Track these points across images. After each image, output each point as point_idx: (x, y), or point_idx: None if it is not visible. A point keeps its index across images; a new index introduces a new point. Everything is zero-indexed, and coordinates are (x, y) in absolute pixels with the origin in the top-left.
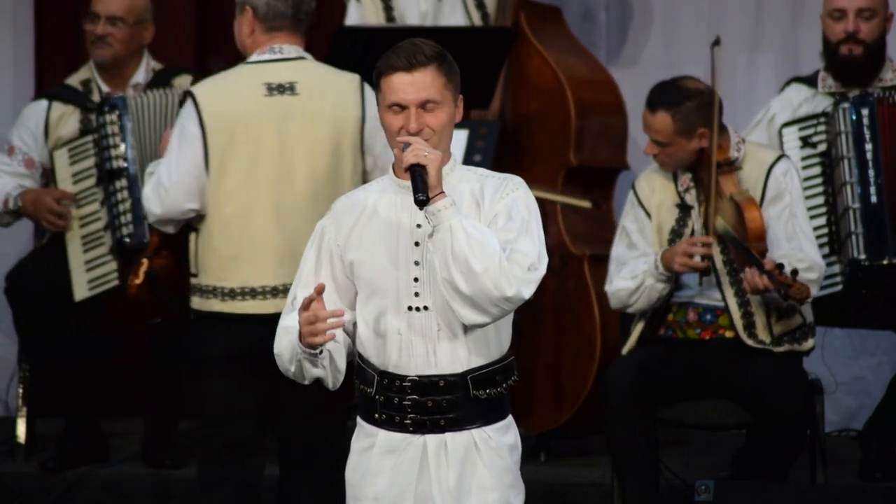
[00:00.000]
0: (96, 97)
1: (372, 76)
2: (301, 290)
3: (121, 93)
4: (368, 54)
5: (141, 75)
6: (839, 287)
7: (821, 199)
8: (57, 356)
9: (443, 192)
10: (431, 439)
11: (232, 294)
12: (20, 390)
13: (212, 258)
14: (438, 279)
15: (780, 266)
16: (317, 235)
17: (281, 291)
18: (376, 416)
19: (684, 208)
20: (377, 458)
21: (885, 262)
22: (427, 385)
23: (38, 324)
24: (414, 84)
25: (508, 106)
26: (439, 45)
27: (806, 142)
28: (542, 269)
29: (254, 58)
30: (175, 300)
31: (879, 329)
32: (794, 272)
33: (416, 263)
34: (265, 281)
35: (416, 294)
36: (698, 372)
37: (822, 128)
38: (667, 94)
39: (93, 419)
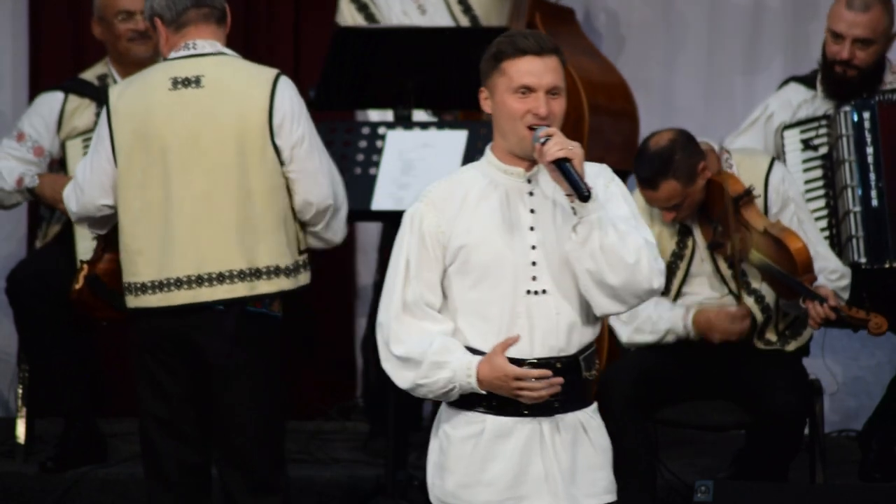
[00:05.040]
0: None
1: (371, 76)
2: (415, 282)
3: None
4: (368, 54)
5: None
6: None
7: (822, 203)
8: (56, 356)
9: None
10: (545, 421)
11: (143, 288)
12: (20, 391)
13: (124, 254)
14: (578, 269)
15: (848, 302)
16: (414, 222)
17: (185, 283)
18: (485, 402)
19: (683, 231)
20: (488, 444)
21: (885, 265)
22: (546, 367)
23: (39, 324)
24: (545, 68)
25: None
26: None
27: (807, 144)
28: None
29: (170, 56)
30: (119, 302)
31: None
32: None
33: (533, 248)
34: (170, 273)
35: (534, 278)
36: (698, 372)
37: (823, 130)
38: (656, 165)
39: (91, 420)
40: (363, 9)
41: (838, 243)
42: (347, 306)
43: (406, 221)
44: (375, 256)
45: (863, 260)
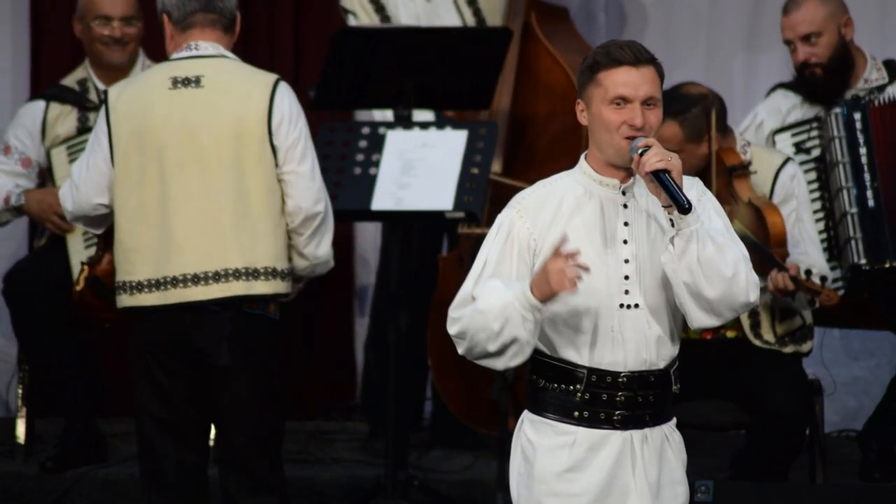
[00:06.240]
0: (93, 96)
1: (371, 76)
2: (481, 283)
3: None
4: (368, 54)
5: (138, 72)
6: (841, 292)
7: (818, 205)
8: (56, 356)
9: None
10: (636, 434)
11: (139, 287)
12: (20, 391)
13: (119, 253)
14: (674, 282)
15: (808, 272)
16: (502, 228)
17: (181, 282)
18: (577, 413)
19: None
20: (580, 455)
21: (885, 265)
22: (641, 380)
23: (37, 325)
24: (642, 79)
25: (517, 105)
26: None
27: (799, 148)
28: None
29: (172, 56)
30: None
31: (879, 330)
32: (823, 278)
33: (626, 261)
34: (167, 272)
35: (627, 292)
36: (697, 372)
37: (814, 133)
38: (672, 103)
39: (91, 420)
40: None
41: (836, 245)
42: (347, 306)
43: (494, 227)
44: (375, 257)
45: (863, 261)
